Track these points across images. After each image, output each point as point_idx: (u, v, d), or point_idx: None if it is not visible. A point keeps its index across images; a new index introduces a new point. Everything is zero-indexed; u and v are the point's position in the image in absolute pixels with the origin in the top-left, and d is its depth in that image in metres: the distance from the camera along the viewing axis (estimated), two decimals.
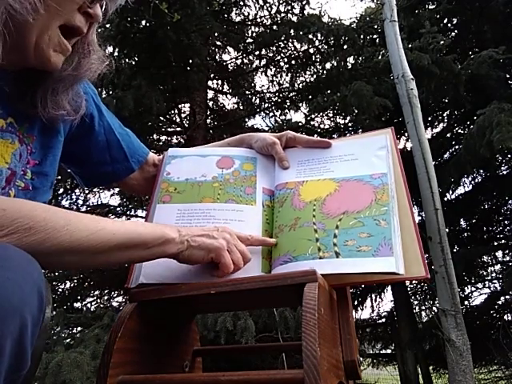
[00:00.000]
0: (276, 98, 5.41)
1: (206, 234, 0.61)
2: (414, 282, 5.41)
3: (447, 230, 3.11)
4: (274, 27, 4.82)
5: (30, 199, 0.60)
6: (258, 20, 5.01)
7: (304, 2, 4.80)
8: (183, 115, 5.13)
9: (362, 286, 5.39)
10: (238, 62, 5.30)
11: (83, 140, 0.75)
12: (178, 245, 0.59)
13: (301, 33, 4.49)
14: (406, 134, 4.31)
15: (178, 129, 5.05)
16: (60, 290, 4.52)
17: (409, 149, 3.83)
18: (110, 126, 0.78)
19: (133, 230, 0.54)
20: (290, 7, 4.86)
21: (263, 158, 0.82)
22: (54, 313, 3.03)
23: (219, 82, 5.46)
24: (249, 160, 0.81)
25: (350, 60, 4.86)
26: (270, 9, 4.96)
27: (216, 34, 4.67)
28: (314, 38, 4.68)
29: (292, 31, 4.52)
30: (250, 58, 5.24)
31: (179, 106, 5.02)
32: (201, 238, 0.61)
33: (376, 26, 4.77)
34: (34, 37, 0.53)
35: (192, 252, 0.60)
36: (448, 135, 5.45)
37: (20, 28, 0.52)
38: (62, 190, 4.71)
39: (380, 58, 4.73)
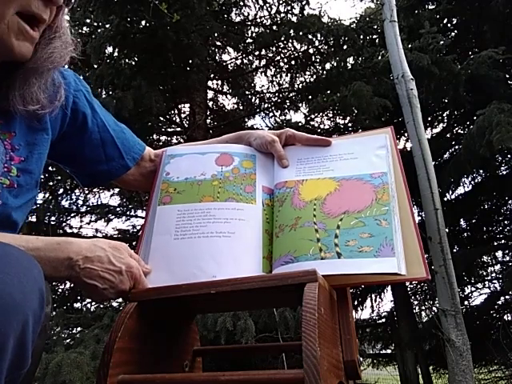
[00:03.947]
0: (276, 98, 5.41)
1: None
2: (413, 282, 5.41)
3: (447, 230, 3.11)
4: (274, 27, 4.81)
5: (13, 197, 0.59)
6: (258, 20, 5.00)
7: (304, 3, 4.79)
8: (183, 115, 5.13)
9: (362, 286, 5.39)
10: (238, 62, 5.29)
11: (77, 138, 0.74)
12: None
13: (301, 33, 4.48)
14: (406, 134, 4.30)
15: (178, 129, 5.04)
16: (60, 290, 4.51)
17: (409, 149, 3.83)
18: (103, 124, 0.77)
19: None
20: (289, 7, 4.85)
21: (262, 156, 0.81)
22: (54, 313, 3.02)
23: (219, 82, 5.46)
24: (248, 157, 0.80)
25: (350, 60, 4.85)
26: (269, 9, 4.95)
27: (216, 34, 4.66)
28: (314, 39, 4.67)
29: (292, 31, 4.51)
30: (250, 58, 5.24)
31: (179, 106, 5.01)
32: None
33: (376, 27, 4.76)
34: None
35: None
36: (448, 135, 5.45)
37: None
38: (61, 190, 4.71)
39: (380, 58, 4.73)
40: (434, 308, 5.37)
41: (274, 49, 5.02)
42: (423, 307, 5.99)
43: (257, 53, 5.08)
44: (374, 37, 4.95)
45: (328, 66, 4.98)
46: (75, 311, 4.16)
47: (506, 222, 5.26)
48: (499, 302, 4.97)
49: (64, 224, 4.92)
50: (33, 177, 0.63)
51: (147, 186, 0.83)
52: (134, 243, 4.50)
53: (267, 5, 4.92)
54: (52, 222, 4.62)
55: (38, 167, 0.64)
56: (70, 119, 0.72)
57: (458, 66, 4.08)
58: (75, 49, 0.64)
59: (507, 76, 4.51)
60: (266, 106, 5.44)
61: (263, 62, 5.20)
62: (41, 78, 0.60)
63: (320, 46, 4.78)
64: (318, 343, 0.44)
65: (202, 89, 4.71)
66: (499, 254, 5.38)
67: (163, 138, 5.33)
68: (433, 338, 4.11)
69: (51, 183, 4.40)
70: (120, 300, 0.65)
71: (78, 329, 3.15)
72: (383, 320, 6.04)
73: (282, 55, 5.09)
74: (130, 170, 0.82)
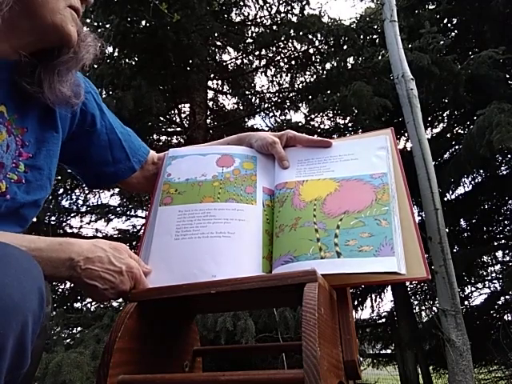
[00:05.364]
0: (276, 98, 5.41)
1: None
2: (414, 282, 5.41)
3: (447, 230, 3.11)
4: (274, 27, 4.81)
5: (24, 193, 0.60)
6: (258, 20, 5.00)
7: (304, 3, 4.79)
8: (183, 115, 5.12)
9: (362, 286, 5.39)
10: (238, 62, 5.29)
11: (85, 139, 0.75)
12: None
13: (301, 33, 4.48)
14: (406, 134, 4.31)
15: (178, 129, 5.04)
16: (60, 290, 4.51)
17: (409, 149, 3.83)
18: (111, 126, 0.78)
19: None
20: (289, 7, 4.85)
21: (263, 157, 0.82)
22: (54, 313, 3.02)
23: (219, 82, 5.45)
24: (249, 159, 0.81)
25: (350, 60, 4.85)
26: (269, 9, 4.95)
27: (216, 34, 4.66)
28: (314, 39, 4.67)
29: (292, 31, 4.51)
30: (250, 58, 5.23)
31: (179, 106, 5.01)
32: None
33: (376, 26, 4.76)
34: (49, 18, 0.58)
35: None
36: (448, 135, 5.45)
37: (31, 13, 0.57)
38: (61, 190, 4.71)
39: (380, 58, 4.73)
40: (434, 308, 5.37)
41: (274, 49, 5.02)
42: (423, 307, 6.00)
43: (257, 53, 5.08)
44: (374, 37, 4.94)
45: (328, 66, 4.97)
46: (75, 311, 4.16)
47: (506, 222, 5.26)
48: (499, 302, 4.97)
49: (64, 224, 4.92)
50: (42, 173, 0.63)
51: (149, 188, 0.84)
52: (134, 243, 4.50)
53: (267, 5, 4.92)
54: (52, 222, 4.62)
55: (48, 164, 0.65)
56: (78, 120, 0.73)
57: (458, 66, 4.08)
58: (102, 47, 0.71)
59: (507, 76, 4.51)
60: (266, 105, 5.44)
61: (263, 62, 5.20)
62: (76, 70, 0.66)
63: (320, 46, 4.77)
64: (318, 343, 0.44)
65: (201, 89, 4.71)
66: (499, 253, 5.39)
67: (163, 137, 5.33)
68: (433, 338, 4.11)
69: None
70: (120, 300, 0.65)
71: (78, 329, 3.14)
72: (383, 320, 6.04)
73: (282, 55, 5.09)
74: (135, 172, 0.83)
